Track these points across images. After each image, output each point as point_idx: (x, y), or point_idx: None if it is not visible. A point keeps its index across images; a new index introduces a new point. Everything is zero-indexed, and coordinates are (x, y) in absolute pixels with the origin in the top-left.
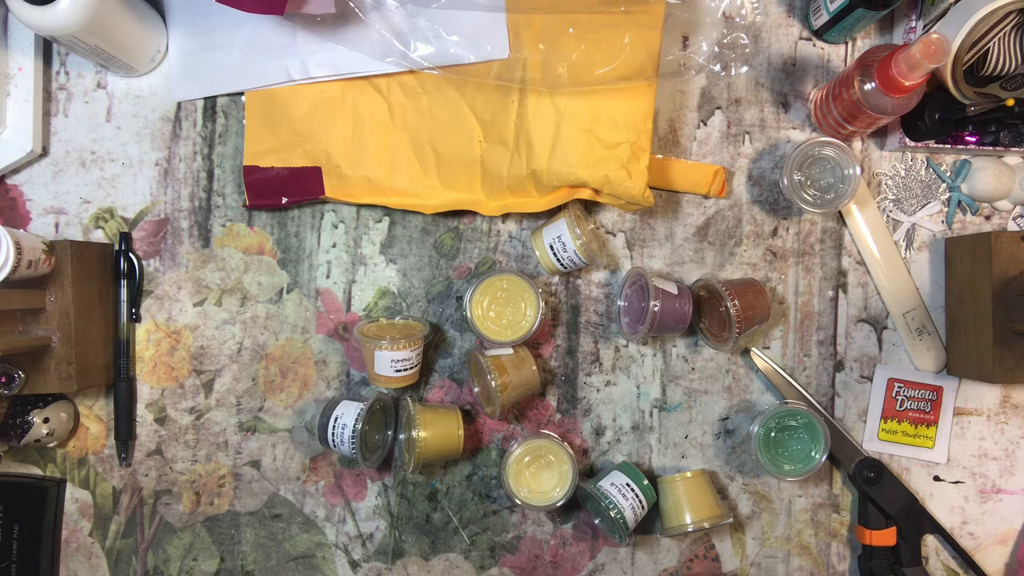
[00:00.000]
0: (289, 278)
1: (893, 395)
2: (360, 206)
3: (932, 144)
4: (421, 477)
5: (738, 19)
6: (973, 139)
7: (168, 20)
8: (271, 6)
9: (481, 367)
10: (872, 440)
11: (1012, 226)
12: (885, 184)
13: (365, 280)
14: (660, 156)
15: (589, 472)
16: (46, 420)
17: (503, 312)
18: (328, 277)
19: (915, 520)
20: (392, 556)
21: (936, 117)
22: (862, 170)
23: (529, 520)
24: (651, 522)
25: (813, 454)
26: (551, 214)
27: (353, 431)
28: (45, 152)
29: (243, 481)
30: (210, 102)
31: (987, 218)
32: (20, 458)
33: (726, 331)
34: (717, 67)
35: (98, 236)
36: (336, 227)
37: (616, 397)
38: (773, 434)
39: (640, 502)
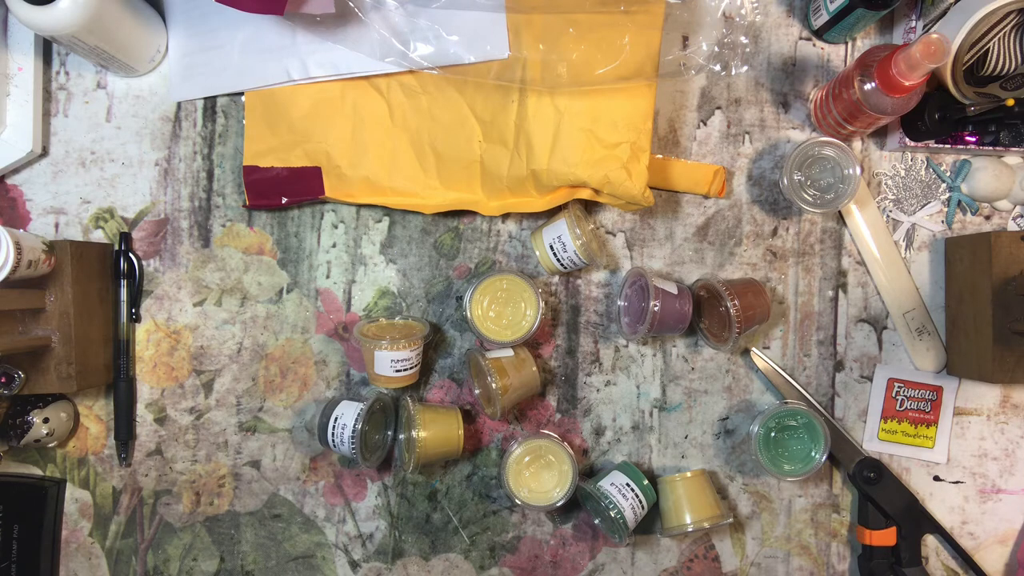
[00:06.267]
0: (289, 278)
1: (893, 395)
2: (360, 206)
3: (932, 144)
4: (421, 477)
5: (738, 19)
6: (973, 139)
7: (168, 20)
8: (271, 6)
9: (481, 369)
10: (872, 440)
11: (1012, 226)
12: (885, 184)
13: (365, 280)
14: (660, 156)
15: (589, 472)
16: (46, 420)
17: (503, 312)
18: (328, 277)
19: (915, 520)
20: (392, 556)
21: (936, 117)
22: (862, 170)
23: (529, 520)
24: (651, 522)
25: (813, 454)
26: (551, 214)
27: (353, 431)
28: (45, 152)
29: (243, 481)
30: (210, 102)
31: (987, 218)
32: (20, 458)
33: (726, 331)
34: (717, 67)
35: (98, 236)
36: (336, 227)
37: (616, 397)
38: (773, 434)
39: (640, 502)
